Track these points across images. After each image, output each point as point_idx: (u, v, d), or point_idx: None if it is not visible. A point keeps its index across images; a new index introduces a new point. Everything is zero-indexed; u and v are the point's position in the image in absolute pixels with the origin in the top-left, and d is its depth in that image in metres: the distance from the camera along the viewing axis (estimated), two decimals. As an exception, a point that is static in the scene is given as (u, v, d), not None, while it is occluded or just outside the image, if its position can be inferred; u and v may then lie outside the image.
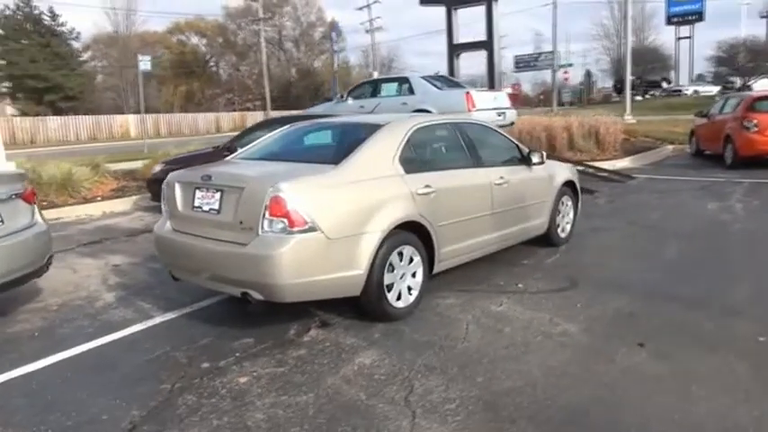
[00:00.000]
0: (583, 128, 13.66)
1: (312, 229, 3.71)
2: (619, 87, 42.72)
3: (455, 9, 17.63)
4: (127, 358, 3.82)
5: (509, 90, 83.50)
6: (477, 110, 10.89)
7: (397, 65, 62.81)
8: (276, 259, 3.64)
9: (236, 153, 4.97)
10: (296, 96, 54.28)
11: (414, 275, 4.40)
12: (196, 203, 4.15)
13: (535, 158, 5.67)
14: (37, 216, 4.56)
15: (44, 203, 9.63)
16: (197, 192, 4.17)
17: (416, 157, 4.59)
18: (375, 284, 4.05)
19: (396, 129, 4.58)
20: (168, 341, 4.04)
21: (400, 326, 4.18)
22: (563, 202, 6.29)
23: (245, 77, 60.59)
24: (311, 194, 3.79)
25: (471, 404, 3.08)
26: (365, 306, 4.17)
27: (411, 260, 4.36)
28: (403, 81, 12.17)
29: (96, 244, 7.27)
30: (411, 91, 11.79)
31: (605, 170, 11.25)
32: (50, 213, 9.29)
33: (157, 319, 4.49)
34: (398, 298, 4.27)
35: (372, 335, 4.04)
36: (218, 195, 4.02)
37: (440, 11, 18.02)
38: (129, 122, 40.25)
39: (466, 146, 5.09)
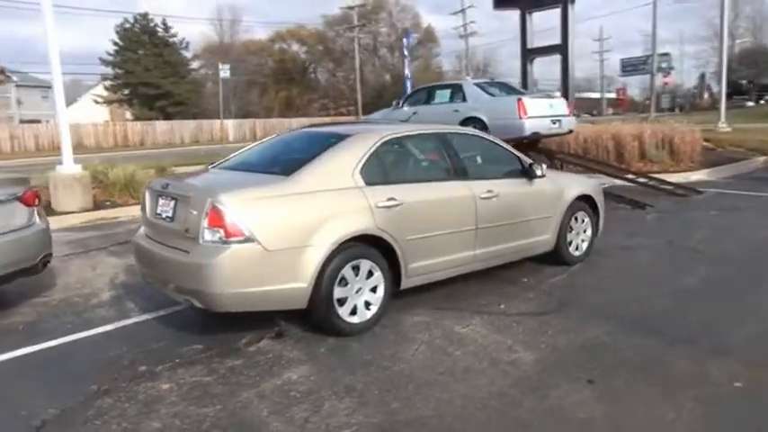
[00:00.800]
0: (656, 137, 12.70)
1: (249, 240, 3.71)
2: (729, 92, 39.40)
3: (529, 13, 17.06)
4: (80, 357, 4.01)
5: (612, 95, 79.32)
6: (529, 117, 10.47)
7: (492, 69, 61.86)
8: (211, 268, 3.69)
9: (219, 162, 5.08)
10: (387, 101, 54.89)
11: (374, 290, 4.28)
12: (158, 210, 4.29)
13: (537, 171, 5.34)
14: (35, 217, 4.91)
15: (107, 203, 10.41)
16: (159, 199, 4.30)
17: (383, 170, 4.46)
18: (323, 298, 3.99)
19: (360, 140, 4.48)
20: (127, 342, 4.20)
21: (352, 342, 4.08)
22: (577, 219, 5.88)
23: (341, 83, 62.17)
24: (249, 206, 3.80)
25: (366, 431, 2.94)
26: (314, 319, 4.11)
27: (370, 274, 4.24)
28: (456, 88, 11.90)
29: (127, 244, 7.72)
30: (463, 98, 11.51)
31: (669, 183, 10.38)
32: (110, 213, 10.04)
33: (132, 320, 4.68)
34: (354, 313, 4.17)
35: (318, 349, 3.98)
36: (172, 203, 4.13)
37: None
38: (228, 126, 42.58)
39: (448, 158, 4.89)
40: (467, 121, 11.17)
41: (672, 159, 12.52)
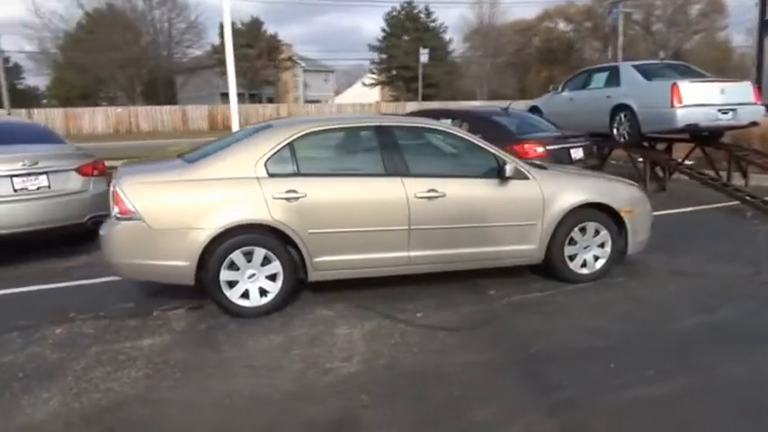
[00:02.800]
0: None
1: (136, 219, 4.23)
2: None
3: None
4: (35, 302, 4.90)
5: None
6: (685, 106, 8.80)
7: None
8: (105, 239, 4.35)
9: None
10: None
11: (273, 279, 4.44)
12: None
13: (507, 171, 4.72)
14: (90, 185, 6.17)
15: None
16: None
17: (292, 163, 4.48)
18: (210, 279, 4.31)
19: (273, 133, 4.58)
20: (80, 296, 4.94)
21: (237, 324, 4.29)
22: (585, 230, 5.00)
23: (608, 62, 57.68)
24: (140, 189, 4.29)
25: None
26: (210, 297, 4.46)
27: (267, 262, 4.41)
28: (612, 71, 10.48)
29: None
30: (617, 82, 10.13)
31: None
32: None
33: (93, 281, 5.34)
34: (246, 297, 4.40)
35: (200, 326, 4.30)
36: (119, 188, 4.86)
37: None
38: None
39: (379, 152, 4.65)
40: (617, 110, 9.97)
41: None
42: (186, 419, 3.06)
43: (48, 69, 46.63)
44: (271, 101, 47.51)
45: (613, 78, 10.28)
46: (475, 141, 4.91)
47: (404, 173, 4.63)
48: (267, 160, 4.43)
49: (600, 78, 10.73)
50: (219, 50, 44.88)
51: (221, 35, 44.76)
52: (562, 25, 61.97)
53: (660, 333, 4.00)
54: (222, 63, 44.56)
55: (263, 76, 45.30)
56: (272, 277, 4.44)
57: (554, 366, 3.54)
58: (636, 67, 10.09)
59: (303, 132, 4.60)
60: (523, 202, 4.84)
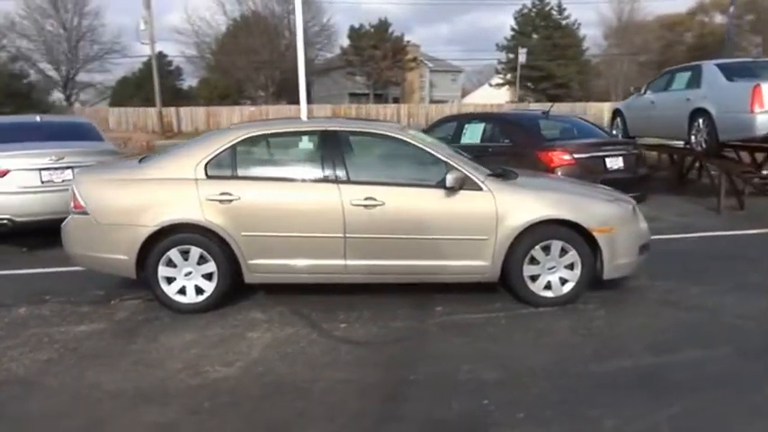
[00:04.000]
0: None
1: (85, 213, 4.55)
2: None
3: None
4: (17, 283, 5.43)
5: None
6: (766, 111, 7.63)
7: None
8: (63, 231, 4.71)
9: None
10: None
11: (209, 278, 4.55)
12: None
13: (448, 181, 4.42)
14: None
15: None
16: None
17: (231, 165, 4.53)
18: (150, 274, 4.53)
19: (217, 136, 4.68)
20: (58, 282, 5.36)
21: (163, 318, 4.47)
22: (549, 249, 4.54)
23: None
24: (91, 186, 4.60)
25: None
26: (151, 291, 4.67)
27: (203, 261, 4.53)
28: (695, 70, 9.30)
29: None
30: (698, 84, 8.99)
31: None
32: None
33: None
34: (182, 293, 4.57)
35: (137, 316, 4.54)
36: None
37: None
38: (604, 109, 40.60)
39: (322, 158, 4.55)
40: (695, 114, 8.93)
41: None
42: (40, 404, 3.25)
43: (201, 72, 51.41)
44: (396, 101, 48.25)
45: (695, 79, 9.15)
46: (427, 149, 4.64)
47: (342, 179, 4.51)
48: (207, 163, 4.54)
49: (682, 79, 9.60)
50: (347, 52, 46.67)
51: (350, 37, 46.61)
52: (719, 18, 56.18)
53: (572, 373, 3.52)
54: (349, 64, 46.29)
55: (387, 77, 46.06)
56: (209, 276, 4.55)
57: (420, 394, 3.28)
58: (720, 66, 8.89)
59: (245, 136, 4.65)
60: (473, 215, 4.50)
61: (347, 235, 4.47)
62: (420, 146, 4.66)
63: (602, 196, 4.88)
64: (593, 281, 4.64)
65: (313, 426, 2.98)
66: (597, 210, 4.63)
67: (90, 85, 47.91)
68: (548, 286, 4.61)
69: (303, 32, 11.66)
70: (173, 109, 38.09)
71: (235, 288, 4.66)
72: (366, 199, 4.44)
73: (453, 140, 8.33)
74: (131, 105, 37.85)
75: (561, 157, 6.91)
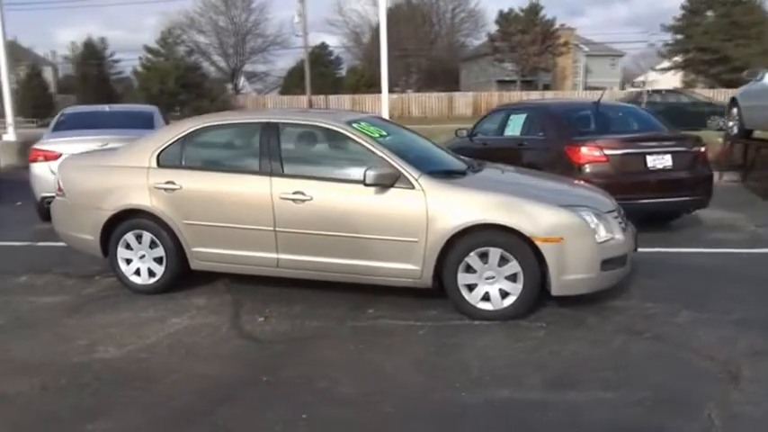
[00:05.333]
0: None
1: (63, 195, 5.02)
2: None
3: None
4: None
5: None
6: None
7: None
8: (51, 211, 5.24)
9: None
10: None
11: (160, 262, 4.79)
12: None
13: (367, 178, 4.14)
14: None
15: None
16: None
17: (180, 155, 4.67)
18: (111, 254, 4.89)
19: (176, 126, 4.86)
20: (66, 257, 5.88)
21: (118, 296, 4.79)
22: (486, 257, 4.09)
23: None
24: (67, 171, 5.07)
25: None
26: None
27: (154, 246, 4.77)
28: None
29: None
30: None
31: None
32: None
33: None
34: (138, 274, 4.86)
35: (85, 291, 4.95)
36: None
37: None
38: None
39: (260, 150, 4.50)
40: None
41: None
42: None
43: (357, 61, 53.45)
44: (547, 88, 46.08)
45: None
46: (365, 143, 4.39)
47: (276, 172, 4.46)
48: (160, 152, 4.75)
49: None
50: (495, 38, 45.36)
51: (498, 23, 45.21)
52: None
53: (432, 400, 3.14)
54: (497, 51, 44.99)
55: (536, 63, 43.99)
56: (159, 260, 4.79)
57: (253, 397, 3.16)
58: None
59: (196, 127, 4.78)
60: (403, 215, 4.19)
61: (277, 229, 4.42)
62: (359, 140, 4.43)
63: (562, 200, 4.26)
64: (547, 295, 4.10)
65: (101, 418, 3.00)
66: (544, 216, 4.06)
67: (254, 75, 52.16)
68: (486, 298, 4.16)
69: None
70: (322, 97, 40.14)
71: (188, 272, 4.83)
72: (295, 193, 4.35)
73: (498, 132, 7.81)
74: (297, 94, 40.67)
75: (590, 153, 6.13)
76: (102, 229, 4.82)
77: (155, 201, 4.66)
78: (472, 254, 4.11)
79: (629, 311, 4.28)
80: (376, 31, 47.68)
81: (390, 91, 13.84)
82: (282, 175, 4.45)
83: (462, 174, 4.60)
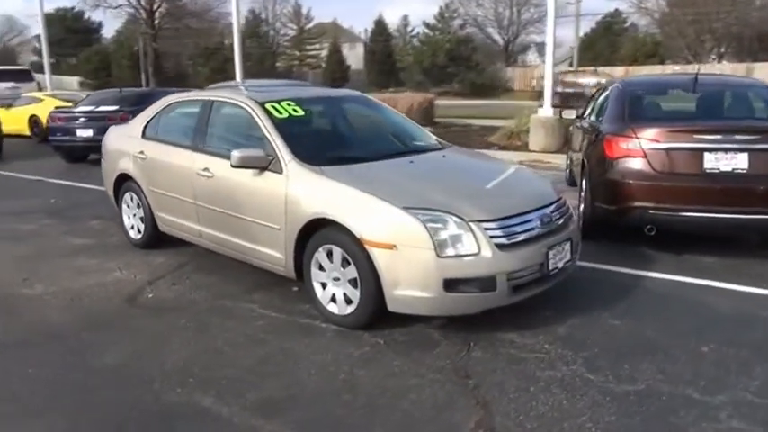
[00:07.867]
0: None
1: (102, 157, 6.06)
2: None
3: None
4: None
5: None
6: None
7: None
8: (103, 171, 6.37)
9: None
10: None
11: (143, 221, 5.49)
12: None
13: (232, 159, 4.05)
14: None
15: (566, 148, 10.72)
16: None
17: (156, 128, 5.22)
18: (119, 207, 5.78)
19: (162, 101, 5.35)
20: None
21: (120, 247, 5.65)
22: (332, 255, 3.74)
23: None
24: (107, 137, 6.02)
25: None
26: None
27: (140, 206, 5.47)
28: None
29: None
30: None
31: None
32: (554, 157, 10.48)
33: None
34: (133, 229, 5.65)
35: (91, 241, 5.87)
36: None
37: None
38: None
39: (203, 127, 4.74)
40: None
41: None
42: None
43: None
44: None
45: None
46: (259, 121, 4.25)
47: (199, 148, 4.69)
48: (146, 124, 5.40)
49: None
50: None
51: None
52: None
53: (134, 400, 3.11)
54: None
55: None
56: (142, 219, 5.49)
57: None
58: None
59: (168, 102, 5.27)
60: (270, 200, 4.03)
61: (198, 202, 4.68)
62: (256, 119, 4.32)
63: (422, 200, 3.54)
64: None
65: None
66: (381, 218, 3.47)
67: (527, 47, 50.93)
68: (333, 299, 3.79)
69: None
70: (607, 68, 37.40)
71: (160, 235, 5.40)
72: (204, 170, 4.54)
73: (597, 114, 6.37)
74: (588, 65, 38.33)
75: (621, 145, 4.77)
76: (113, 187, 5.74)
77: (134, 168, 5.35)
78: (320, 249, 3.78)
79: (520, 351, 3.40)
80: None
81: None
82: (202, 150, 4.67)
83: (364, 161, 4.15)
